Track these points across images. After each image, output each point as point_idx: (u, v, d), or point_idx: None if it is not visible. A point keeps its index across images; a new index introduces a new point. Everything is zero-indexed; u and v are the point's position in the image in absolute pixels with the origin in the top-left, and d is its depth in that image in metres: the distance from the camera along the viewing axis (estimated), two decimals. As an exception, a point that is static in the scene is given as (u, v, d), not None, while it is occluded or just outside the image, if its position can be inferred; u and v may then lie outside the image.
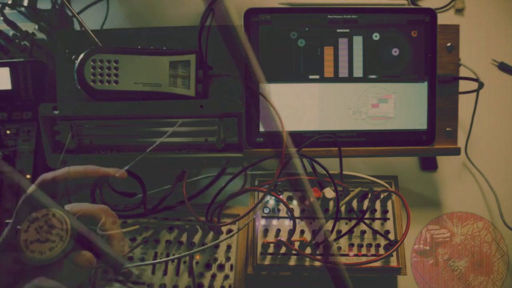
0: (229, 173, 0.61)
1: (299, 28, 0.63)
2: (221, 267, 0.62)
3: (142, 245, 0.62)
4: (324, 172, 0.61)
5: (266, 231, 0.63)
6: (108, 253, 0.34)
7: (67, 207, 0.35)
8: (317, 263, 0.62)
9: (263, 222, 0.64)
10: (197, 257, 0.62)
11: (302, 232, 0.63)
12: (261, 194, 0.64)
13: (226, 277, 0.62)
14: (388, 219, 0.64)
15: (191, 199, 0.64)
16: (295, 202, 0.65)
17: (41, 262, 0.31)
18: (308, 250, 0.62)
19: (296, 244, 0.61)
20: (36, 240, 0.31)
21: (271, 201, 0.65)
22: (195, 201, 0.64)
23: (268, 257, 0.62)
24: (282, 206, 0.64)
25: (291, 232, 0.61)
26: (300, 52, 0.63)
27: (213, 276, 0.61)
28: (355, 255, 0.62)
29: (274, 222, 0.64)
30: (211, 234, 0.64)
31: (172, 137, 0.57)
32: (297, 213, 0.64)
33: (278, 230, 0.63)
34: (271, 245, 0.63)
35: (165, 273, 0.62)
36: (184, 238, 0.63)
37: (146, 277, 0.53)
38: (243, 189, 0.61)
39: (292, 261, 0.62)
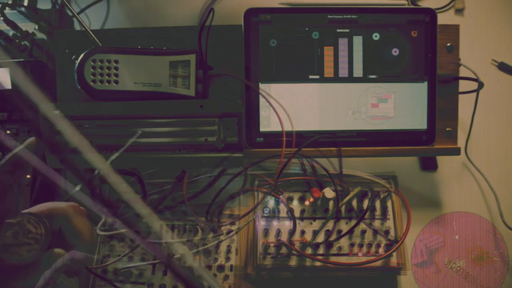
0: (229, 173, 0.61)
1: (299, 29, 0.63)
2: (221, 268, 0.62)
3: (142, 245, 0.62)
4: (324, 172, 0.61)
5: (266, 232, 0.63)
6: (78, 247, 0.39)
7: (37, 207, 0.39)
8: (317, 264, 0.62)
9: (263, 222, 0.64)
10: (197, 257, 0.62)
11: (302, 232, 0.63)
12: (261, 194, 0.64)
13: (226, 277, 0.62)
14: (388, 218, 0.64)
15: (191, 199, 0.64)
16: (295, 203, 0.65)
17: (20, 261, 0.35)
18: (308, 251, 0.62)
19: (297, 245, 0.61)
20: (14, 243, 0.36)
21: (271, 201, 0.64)
22: (195, 201, 0.64)
23: (269, 258, 0.62)
24: (282, 207, 0.64)
25: (291, 232, 0.61)
26: (300, 52, 0.63)
27: (213, 277, 0.61)
28: (355, 254, 0.62)
29: (275, 222, 0.64)
30: (211, 235, 0.64)
31: (172, 137, 0.57)
32: (297, 213, 0.64)
33: (279, 231, 0.63)
34: (272, 245, 0.62)
35: (164, 273, 0.62)
36: (184, 238, 0.63)
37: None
38: (243, 189, 0.61)
39: (293, 262, 0.62)
